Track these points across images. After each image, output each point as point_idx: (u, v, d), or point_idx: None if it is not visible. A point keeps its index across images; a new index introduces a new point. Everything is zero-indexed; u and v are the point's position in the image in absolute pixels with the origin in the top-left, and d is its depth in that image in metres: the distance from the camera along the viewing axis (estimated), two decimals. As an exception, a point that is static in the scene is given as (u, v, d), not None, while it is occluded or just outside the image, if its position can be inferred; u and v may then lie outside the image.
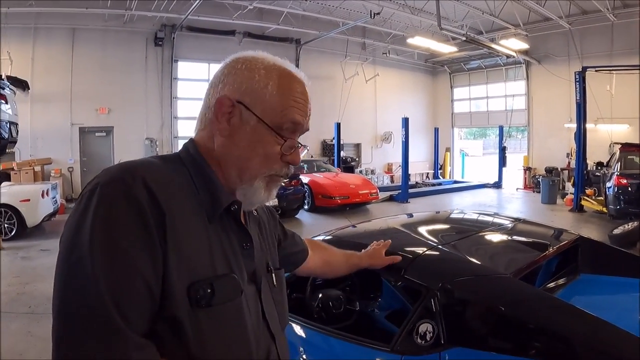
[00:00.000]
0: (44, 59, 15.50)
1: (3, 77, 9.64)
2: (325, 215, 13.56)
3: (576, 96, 14.15)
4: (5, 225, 9.94)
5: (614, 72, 15.73)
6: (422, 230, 2.99)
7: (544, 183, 16.64)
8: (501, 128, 21.81)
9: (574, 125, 15.33)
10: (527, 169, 21.29)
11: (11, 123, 9.45)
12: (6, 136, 9.14)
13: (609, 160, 13.85)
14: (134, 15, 16.09)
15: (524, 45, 19.50)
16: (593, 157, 15.29)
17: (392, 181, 23.10)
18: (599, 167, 14.10)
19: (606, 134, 17.31)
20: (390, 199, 16.89)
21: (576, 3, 17.32)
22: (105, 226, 0.93)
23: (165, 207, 0.98)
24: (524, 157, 22.53)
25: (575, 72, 14.35)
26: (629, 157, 11.97)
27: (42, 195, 10.35)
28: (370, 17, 16.33)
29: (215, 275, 1.05)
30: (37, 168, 14.36)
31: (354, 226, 3.69)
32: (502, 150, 21.58)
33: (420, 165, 25.22)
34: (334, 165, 18.39)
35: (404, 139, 16.71)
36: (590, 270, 2.90)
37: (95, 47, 16.41)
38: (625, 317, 1.96)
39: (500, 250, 2.81)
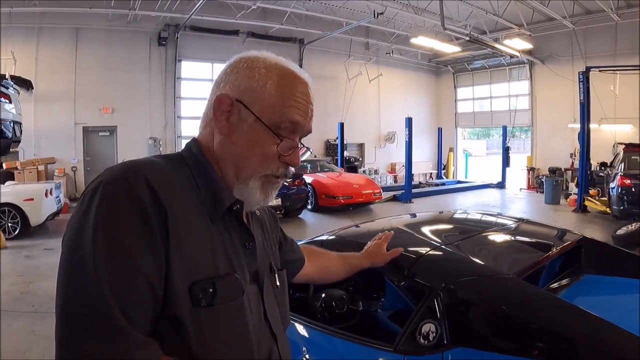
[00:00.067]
0: (48, 58, 15.57)
1: (7, 77, 9.66)
2: (328, 215, 13.56)
3: (580, 96, 14.10)
4: (9, 224, 9.97)
5: (617, 72, 15.68)
6: (426, 230, 2.98)
7: (547, 183, 16.61)
8: (505, 128, 21.81)
9: (577, 126, 15.28)
10: (531, 169, 21.25)
11: (15, 122, 9.47)
12: (10, 135, 9.16)
13: (612, 161, 13.83)
14: (138, 15, 16.14)
15: (528, 45, 19.49)
16: (597, 158, 15.26)
17: (395, 181, 23.07)
18: (603, 168, 14.07)
19: (610, 134, 17.27)
20: (394, 199, 16.88)
21: (580, 3, 17.29)
22: (108, 225, 0.92)
23: (168, 206, 0.98)
24: (527, 157, 22.50)
25: (579, 72, 14.30)
26: (632, 157, 11.92)
27: (46, 195, 10.37)
28: (374, 17, 16.33)
29: (217, 274, 1.04)
30: (41, 167, 14.41)
31: (357, 226, 3.69)
32: (506, 151, 21.57)
33: (423, 165, 25.21)
34: (337, 165, 18.43)
35: (407, 139, 16.69)
36: (593, 270, 2.89)
37: (99, 47, 16.47)
38: (629, 318, 1.95)
39: (504, 251, 2.81)
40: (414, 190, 17.68)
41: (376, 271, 2.21)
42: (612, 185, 11.98)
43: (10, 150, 10.08)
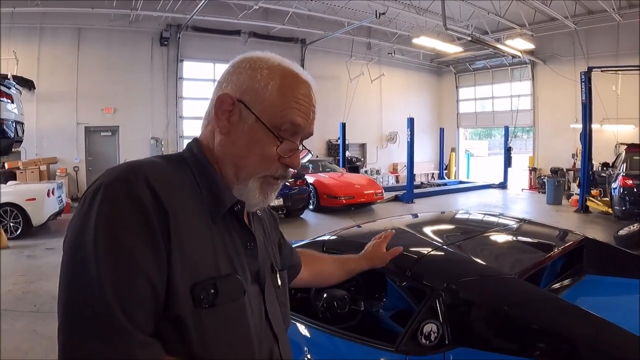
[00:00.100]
0: (50, 58, 15.58)
1: (9, 77, 9.67)
2: (330, 215, 13.56)
3: (582, 96, 14.10)
4: (11, 224, 9.99)
5: (619, 72, 15.65)
6: (427, 230, 2.98)
7: (549, 184, 16.59)
8: (506, 128, 21.79)
9: (579, 126, 15.27)
10: (533, 170, 21.24)
11: (17, 122, 9.47)
12: (12, 135, 9.16)
13: (614, 161, 13.80)
14: (140, 15, 16.16)
15: (530, 46, 19.45)
16: (599, 158, 15.22)
17: (397, 181, 23.06)
18: (605, 168, 14.05)
19: (612, 135, 17.26)
20: (396, 199, 16.89)
21: (582, 3, 17.28)
22: (109, 226, 0.92)
23: (169, 206, 0.98)
24: (529, 158, 22.46)
25: (580, 73, 14.28)
26: (634, 157, 11.90)
27: (48, 195, 10.39)
28: (376, 17, 16.33)
29: (218, 275, 1.04)
30: (43, 167, 14.44)
31: (359, 226, 3.68)
32: (508, 151, 21.55)
33: (425, 165, 25.19)
34: (339, 165, 18.43)
35: (409, 139, 16.68)
36: (595, 271, 2.90)
37: (100, 47, 16.48)
38: (630, 319, 1.95)
39: (505, 251, 2.81)
40: (415, 191, 17.70)
41: (378, 271, 2.21)
42: (614, 185, 11.97)
43: (13, 150, 10.09)
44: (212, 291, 1.02)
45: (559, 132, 20.60)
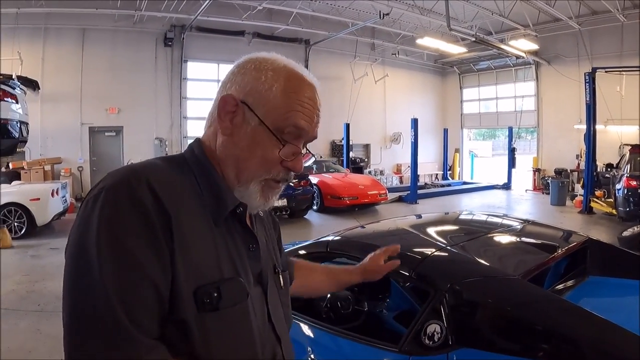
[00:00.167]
0: (54, 59, 15.64)
1: (14, 77, 9.69)
2: (334, 215, 13.57)
3: (586, 97, 14.07)
4: (15, 223, 10.02)
5: (624, 73, 15.61)
6: (431, 231, 2.99)
7: (553, 184, 16.55)
8: (510, 129, 21.74)
9: (583, 127, 15.24)
10: (537, 170, 21.18)
11: (21, 123, 9.49)
12: (17, 135, 9.18)
13: (618, 162, 13.78)
14: (144, 15, 16.21)
15: (534, 46, 19.42)
16: (603, 159, 15.18)
17: (401, 182, 23.05)
18: (609, 169, 14.03)
19: (616, 136, 17.20)
20: (399, 199, 16.88)
21: (586, 3, 17.23)
22: (111, 229, 0.92)
23: (170, 209, 0.97)
24: (533, 159, 22.43)
25: (585, 73, 14.26)
26: (639, 158, 11.88)
27: (52, 195, 10.43)
28: (380, 17, 16.32)
29: (221, 278, 1.03)
30: (47, 167, 14.47)
31: (362, 227, 3.69)
32: (512, 152, 21.51)
33: (429, 166, 25.16)
34: (343, 166, 18.41)
35: (413, 140, 16.67)
36: (598, 272, 2.89)
37: (105, 48, 16.53)
38: (634, 320, 1.94)
39: (509, 252, 2.81)
40: (419, 191, 17.70)
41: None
42: (618, 186, 11.93)
43: (17, 150, 10.09)
44: (216, 295, 1.01)
45: (563, 132, 20.56)
